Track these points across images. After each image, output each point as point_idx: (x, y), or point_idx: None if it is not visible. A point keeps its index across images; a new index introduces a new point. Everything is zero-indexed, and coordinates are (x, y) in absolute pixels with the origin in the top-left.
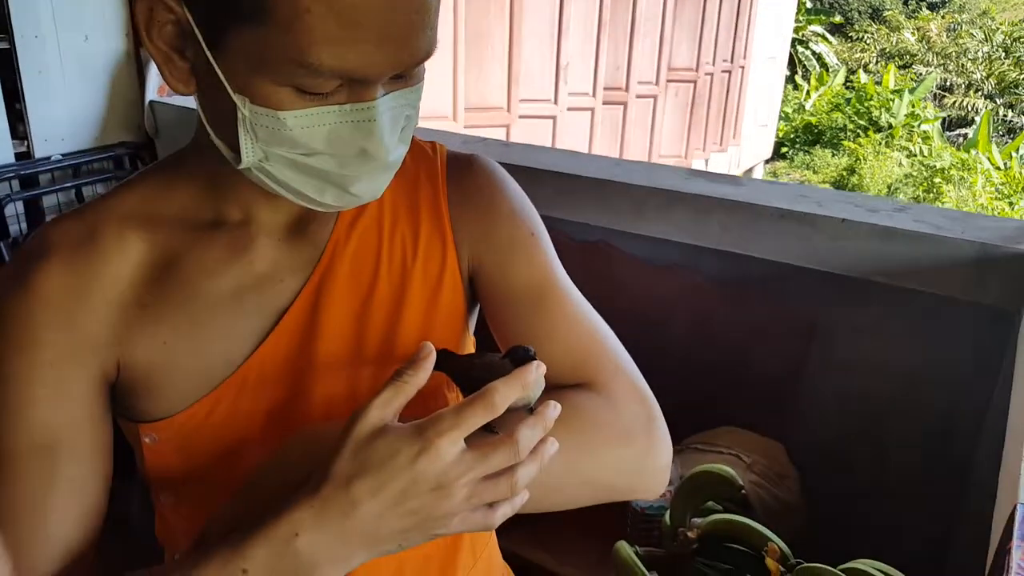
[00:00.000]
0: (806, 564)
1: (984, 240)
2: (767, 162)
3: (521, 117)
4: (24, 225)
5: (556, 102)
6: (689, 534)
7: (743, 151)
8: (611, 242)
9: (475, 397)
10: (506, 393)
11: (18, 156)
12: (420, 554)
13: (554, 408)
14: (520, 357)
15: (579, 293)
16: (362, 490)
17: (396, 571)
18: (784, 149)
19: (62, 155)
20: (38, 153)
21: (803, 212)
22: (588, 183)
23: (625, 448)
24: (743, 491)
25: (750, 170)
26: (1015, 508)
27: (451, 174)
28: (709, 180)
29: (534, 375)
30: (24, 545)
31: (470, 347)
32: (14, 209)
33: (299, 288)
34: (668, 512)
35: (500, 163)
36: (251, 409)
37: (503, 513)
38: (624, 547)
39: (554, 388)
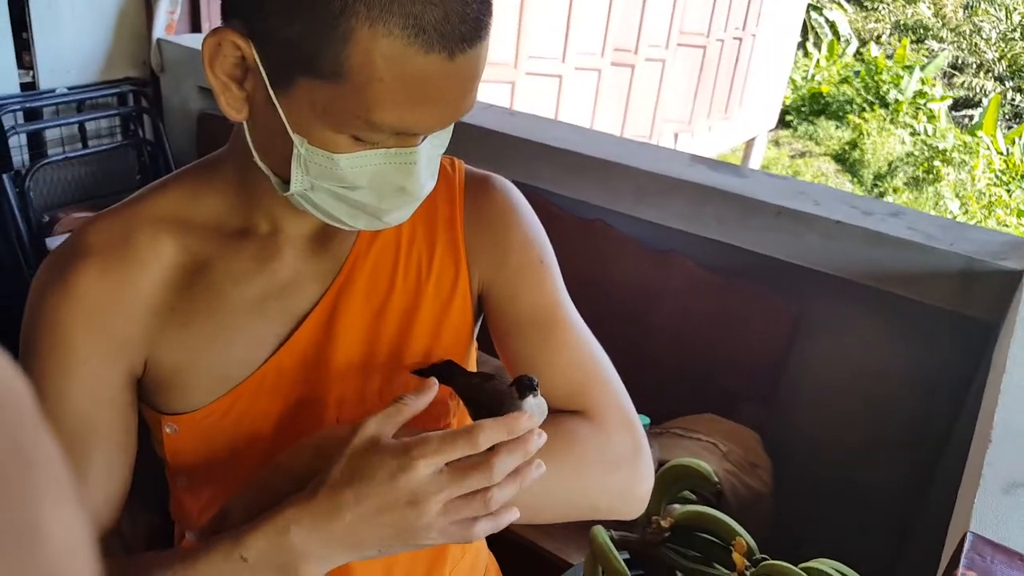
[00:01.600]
0: (770, 561)
1: (972, 254)
2: (771, 131)
3: (527, 74)
4: (26, 157)
5: (564, 60)
6: (662, 522)
7: (748, 119)
8: (609, 222)
9: (463, 431)
10: (491, 435)
11: (23, 87)
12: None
13: (539, 437)
14: (524, 387)
15: (582, 322)
16: (347, 498)
17: (387, 563)
18: (789, 117)
19: (67, 88)
20: (43, 85)
21: (799, 211)
22: (591, 162)
23: (612, 475)
24: (718, 485)
25: (753, 139)
26: (965, 535)
27: (469, 195)
28: (711, 168)
29: (524, 425)
30: None
31: (473, 356)
32: (18, 141)
33: (319, 297)
34: None
35: (504, 133)
36: (267, 408)
37: (483, 529)
38: (600, 532)
39: (551, 412)
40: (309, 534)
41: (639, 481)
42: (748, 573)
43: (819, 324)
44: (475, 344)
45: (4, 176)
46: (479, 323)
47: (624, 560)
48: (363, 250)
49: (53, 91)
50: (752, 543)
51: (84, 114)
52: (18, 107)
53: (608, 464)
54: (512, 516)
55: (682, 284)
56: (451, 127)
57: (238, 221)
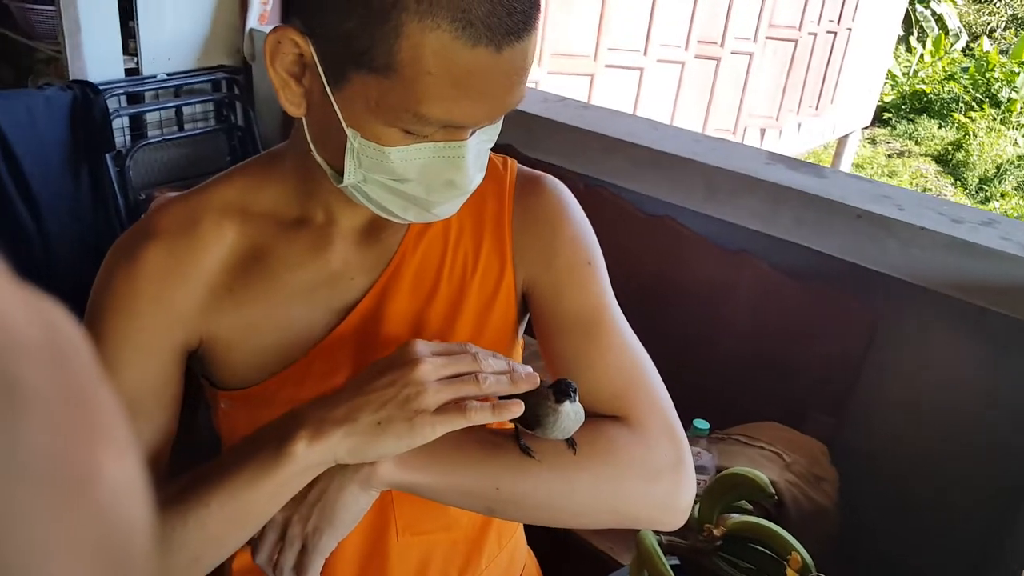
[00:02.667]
0: None
1: None
2: (866, 129)
3: (607, 67)
4: (128, 138)
5: (646, 53)
6: (714, 531)
7: (840, 116)
8: (679, 219)
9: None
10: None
11: (127, 72)
12: (449, 539)
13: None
14: (561, 392)
15: (628, 326)
16: (351, 381)
17: (424, 554)
18: (887, 115)
19: (167, 74)
20: (145, 71)
21: (882, 215)
22: (662, 157)
23: (653, 485)
24: (774, 496)
25: (846, 136)
26: None
27: (519, 194)
28: (789, 167)
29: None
30: None
31: (518, 354)
32: (121, 123)
33: (367, 287)
34: (698, 505)
35: (576, 127)
36: (314, 392)
37: (480, 414)
38: (648, 536)
39: (591, 417)
40: (307, 406)
41: (680, 492)
42: None
43: (897, 334)
44: (520, 342)
45: (107, 156)
46: (525, 322)
47: (672, 566)
48: (411, 244)
49: (154, 77)
50: (808, 559)
51: (181, 99)
52: (122, 91)
53: (649, 474)
54: (518, 410)
55: (754, 286)
56: (500, 122)
57: (296, 211)
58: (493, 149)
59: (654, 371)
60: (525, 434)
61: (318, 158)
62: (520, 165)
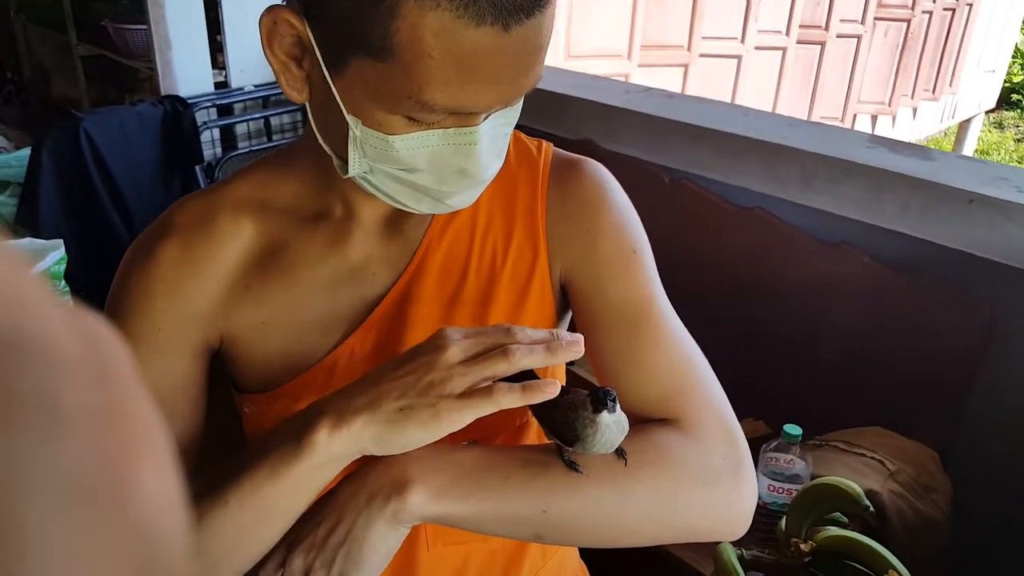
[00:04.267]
0: None
1: None
2: (990, 112)
3: (702, 56)
4: (219, 150)
5: (743, 40)
6: (802, 546)
7: (960, 99)
8: (771, 210)
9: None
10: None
11: (216, 86)
12: (486, 549)
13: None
14: (599, 401)
15: (678, 320)
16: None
17: (458, 566)
18: (1015, 96)
19: (254, 86)
20: (233, 83)
21: (998, 198)
22: (753, 145)
23: (711, 490)
24: (869, 509)
25: (968, 120)
26: None
27: (554, 179)
28: (893, 150)
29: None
30: None
31: None
32: (210, 135)
33: (391, 283)
34: (784, 519)
35: (660, 117)
36: None
37: (509, 396)
38: (727, 550)
39: (639, 422)
40: (329, 396)
41: (741, 498)
42: None
43: (1018, 329)
44: None
45: (197, 168)
46: (568, 318)
47: None
48: (436, 235)
49: (242, 89)
50: None
51: (269, 110)
52: (211, 104)
53: (706, 479)
54: (552, 390)
55: (855, 280)
56: (519, 103)
57: (314, 205)
58: (567, 143)
59: (707, 368)
60: (567, 451)
61: (324, 146)
62: (557, 148)
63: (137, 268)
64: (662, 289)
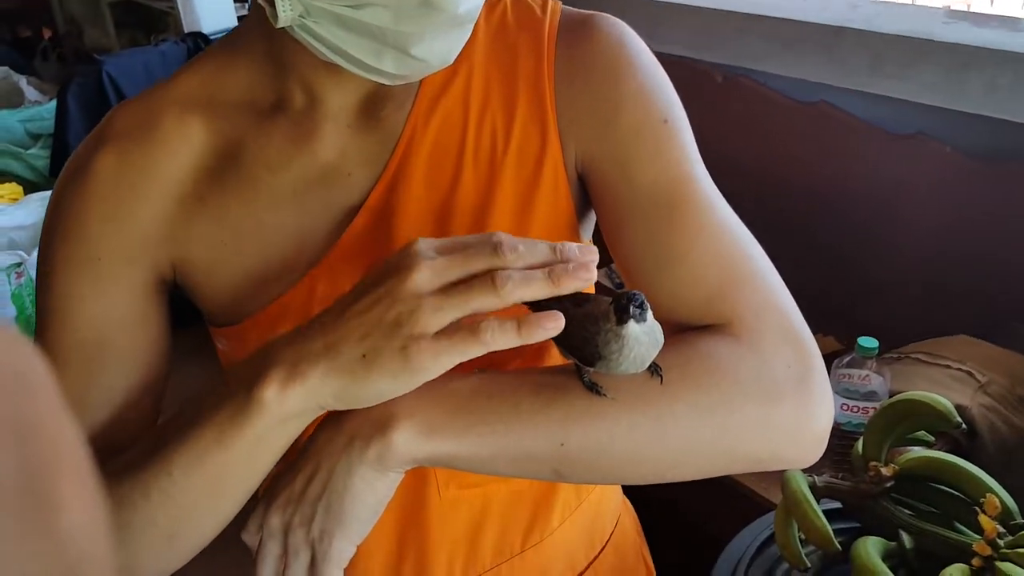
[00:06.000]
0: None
1: None
2: None
3: None
4: None
5: None
6: (883, 470)
7: None
8: (835, 103)
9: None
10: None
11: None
12: (507, 490)
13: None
14: (623, 309)
15: (723, 202)
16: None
17: (477, 511)
18: None
19: None
20: None
21: None
22: (811, 31)
23: (774, 407)
24: (961, 426)
25: None
26: None
27: (563, 41)
28: (976, 23)
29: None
30: None
31: None
32: None
33: (370, 184)
34: (860, 440)
35: (704, 7)
36: None
37: (496, 334)
38: (795, 477)
39: (680, 331)
40: (283, 339)
41: (811, 416)
42: (1002, 542)
43: None
44: (582, 239)
45: None
46: (591, 219)
47: (831, 511)
48: (421, 121)
49: None
50: (1009, 502)
51: None
52: None
53: (766, 393)
54: (553, 325)
55: (934, 174)
56: None
57: (271, 94)
58: None
59: (763, 258)
60: (588, 372)
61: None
62: (566, 7)
63: (70, 187)
64: (703, 167)
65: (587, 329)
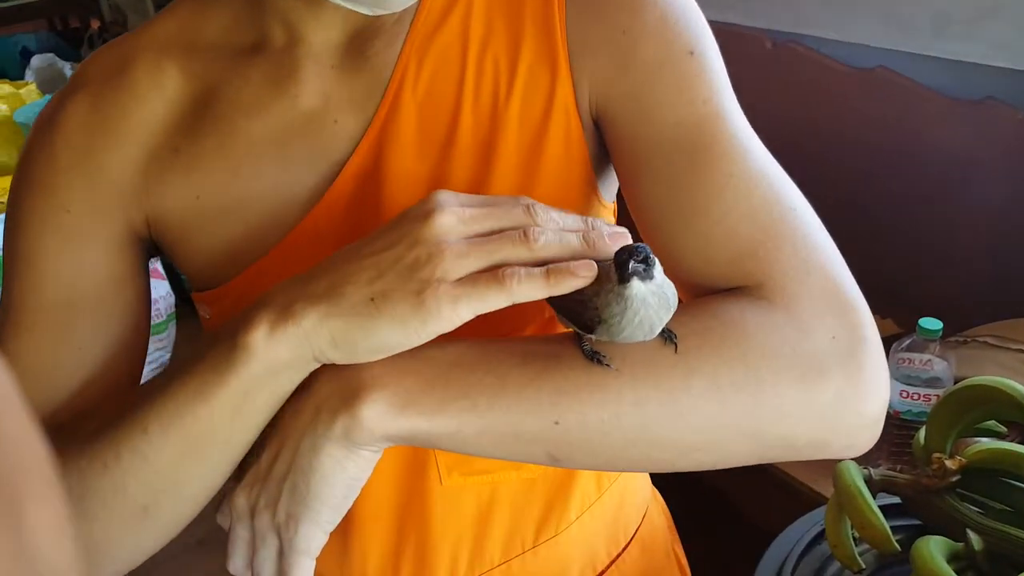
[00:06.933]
0: None
1: None
2: None
3: None
4: None
5: None
6: (949, 463)
7: None
8: (895, 68)
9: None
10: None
11: None
12: (519, 478)
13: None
14: (623, 264)
15: (760, 145)
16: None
17: (483, 501)
18: None
19: None
20: None
21: None
22: None
23: (812, 386)
24: None
25: None
26: None
27: None
28: None
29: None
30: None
31: (599, 215)
32: None
33: (358, 132)
34: (922, 430)
35: None
36: None
37: (525, 285)
38: (849, 469)
39: (704, 294)
40: (281, 284)
41: (859, 396)
42: None
43: None
44: (608, 205)
45: None
46: (610, 176)
47: (889, 506)
48: (414, 60)
49: None
50: None
51: None
52: None
53: (804, 369)
54: (587, 274)
55: (1005, 143)
56: None
57: (250, 34)
58: None
59: (807, 211)
60: (590, 340)
61: None
62: None
63: (39, 136)
64: (737, 108)
65: (583, 290)
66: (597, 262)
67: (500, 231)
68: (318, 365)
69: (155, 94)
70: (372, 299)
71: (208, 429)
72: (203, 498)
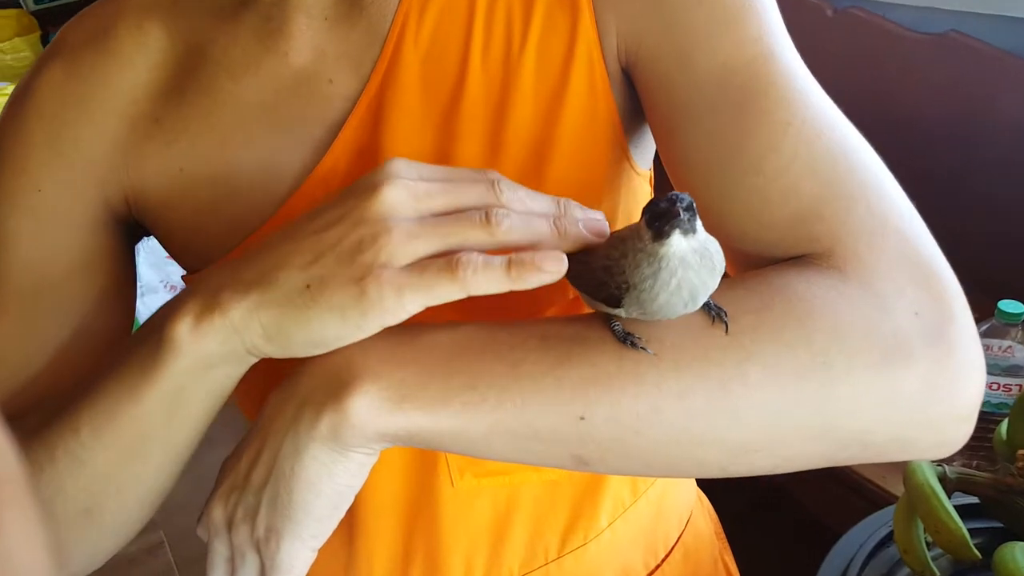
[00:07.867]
0: None
1: None
2: None
3: None
4: None
5: None
6: None
7: None
8: (969, 32)
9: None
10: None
11: None
12: (540, 480)
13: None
14: (657, 215)
15: (819, 90)
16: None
17: (502, 506)
18: None
19: None
20: None
21: None
22: None
23: (892, 374)
24: None
25: None
26: None
27: None
28: None
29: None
30: None
31: (631, 181)
32: None
33: (355, 94)
34: (1006, 421)
35: None
36: None
37: (486, 275)
38: (921, 468)
39: (759, 265)
40: (214, 269)
41: (951, 385)
42: None
43: None
44: (644, 172)
45: None
46: (644, 135)
47: (965, 507)
48: (415, 9)
49: None
50: None
51: None
52: None
53: (883, 354)
54: (554, 268)
55: None
56: None
57: None
58: None
59: (879, 167)
60: (620, 319)
61: None
62: None
63: (12, 109)
64: (790, 44)
65: (609, 255)
66: (625, 230)
67: (459, 210)
68: (256, 359)
69: (139, 58)
70: (308, 286)
71: (143, 430)
72: (152, 499)
